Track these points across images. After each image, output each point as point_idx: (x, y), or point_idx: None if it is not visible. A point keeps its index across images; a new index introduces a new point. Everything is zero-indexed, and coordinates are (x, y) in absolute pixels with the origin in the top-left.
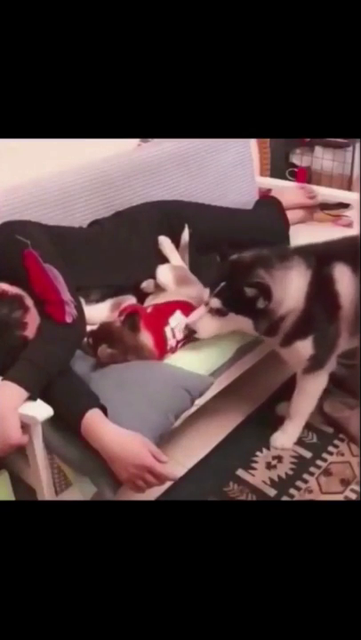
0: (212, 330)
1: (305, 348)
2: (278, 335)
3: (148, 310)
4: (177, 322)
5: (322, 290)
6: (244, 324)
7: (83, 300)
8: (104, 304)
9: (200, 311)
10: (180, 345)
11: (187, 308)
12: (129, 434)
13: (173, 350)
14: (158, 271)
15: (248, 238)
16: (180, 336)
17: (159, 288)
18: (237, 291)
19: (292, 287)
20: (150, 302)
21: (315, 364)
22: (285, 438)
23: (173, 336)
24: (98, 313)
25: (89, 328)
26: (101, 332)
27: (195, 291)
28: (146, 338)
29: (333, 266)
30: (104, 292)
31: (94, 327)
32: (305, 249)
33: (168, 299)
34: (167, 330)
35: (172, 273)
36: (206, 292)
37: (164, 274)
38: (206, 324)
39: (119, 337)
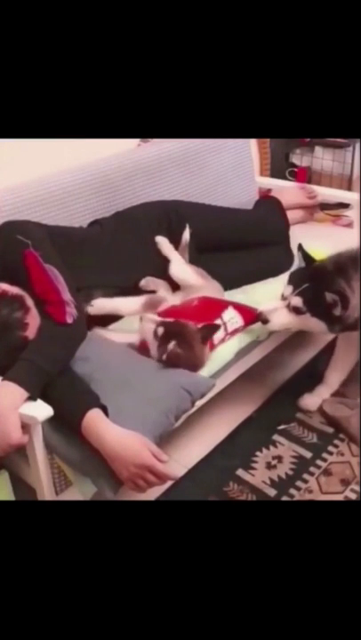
0: (284, 323)
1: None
2: (343, 327)
3: (194, 303)
4: (230, 316)
5: None
6: (316, 325)
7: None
8: (137, 299)
9: (275, 303)
10: (228, 337)
11: (236, 306)
12: (129, 433)
13: (223, 340)
14: (178, 270)
15: (248, 238)
16: (231, 329)
17: (162, 286)
18: (319, 295)
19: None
20: (180, 299)
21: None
22: (312, 400)
23: (225, 329)
24: (128, 306)
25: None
26: (176, 329)
27: (215, 284)
28: (206, 351)
29: None
30: (104, 292)
31: (169, 320)
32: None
33: (200, 294)
34: (218, 322)
35: (191, 268)
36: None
37: (185, 271)
38: (281, 317)
39: (191, 343)
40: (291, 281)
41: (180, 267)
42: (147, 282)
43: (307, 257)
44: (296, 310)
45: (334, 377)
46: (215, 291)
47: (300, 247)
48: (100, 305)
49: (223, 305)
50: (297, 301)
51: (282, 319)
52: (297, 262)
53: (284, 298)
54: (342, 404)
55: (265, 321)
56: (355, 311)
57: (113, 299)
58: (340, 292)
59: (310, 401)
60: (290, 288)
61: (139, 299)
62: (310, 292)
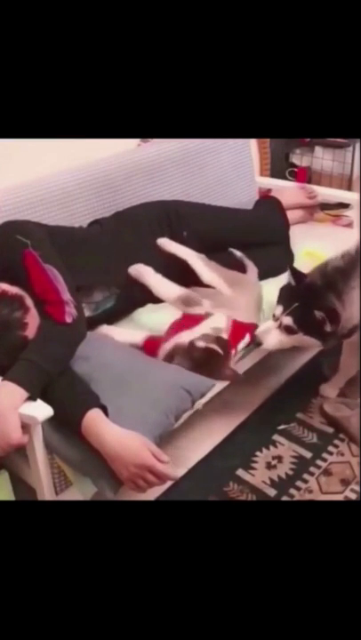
0: (277, 343)
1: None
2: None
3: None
4: (244, 344)
5: None
6: (309, 342)
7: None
8: (177, 288)
9: (268, 324)
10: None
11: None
12: (129, 433)
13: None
14: (209, 279)
15: (248, 238)
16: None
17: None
18: (308, 314)
19: (356, 306)
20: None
21: None
22: (330, 389)
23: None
24: (166, 289)
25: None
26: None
27: (249, 284)
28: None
29: None
30: (104, 291)
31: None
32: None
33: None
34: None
35: (217, 272)
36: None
37: (211, 276)
38: (274, 338)
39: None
40: (280, 300)
41: (209, 275)
42: (187, 296)
43: (296, 274)
44: (288, 330)
45: (349, 362)
46: (245, 297)
47: (290, 266)
48: (143, 271)
49: (248, 328)
50: (288, 321)
51: (275, 339)
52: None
53: (275, 318)
54: (343, 404)
55: (259, 343)
56: (348, 322)
57: (158, 275)
58: (328, 309)
59: (329, 389)
60: (280, 308)
61: (179, 289)
62: (300, 310)
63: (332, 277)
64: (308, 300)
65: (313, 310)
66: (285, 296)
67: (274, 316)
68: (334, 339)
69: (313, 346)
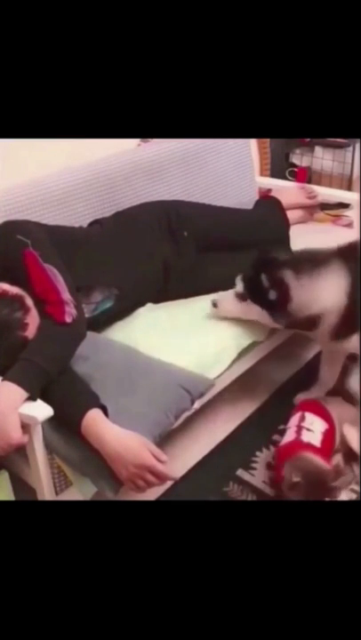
0: (229, 310)
1: (350, 343)
2: (320, 331)
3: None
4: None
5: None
6: (259, 314)
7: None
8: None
9: (230, 291)
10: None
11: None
12: (129, 434)
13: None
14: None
15: (248, 238)
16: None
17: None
18: (256, 278)
19: (327, 289)
20: None
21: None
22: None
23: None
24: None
25: None
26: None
27: None
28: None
29: None
30: (104, 292)
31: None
32: (349, 251)
33: None
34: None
35: None
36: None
37: None
38: (227, 304)
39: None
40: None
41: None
42: None
43: (263, 249)
44: (240, 296)
45: (327, 375)
46: None
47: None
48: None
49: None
50: (239, 287)
51: (228, 305)
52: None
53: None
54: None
55: (214, 305)
56: (305, 307)
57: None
58: (277, 278)
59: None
60: (240, 276)
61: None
62: (251, 277)
63: (299, 257)
64: (263, 268)
65: (260, 276)
66: (249, 267)
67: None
68: (284, 316)
69: (263, 320)
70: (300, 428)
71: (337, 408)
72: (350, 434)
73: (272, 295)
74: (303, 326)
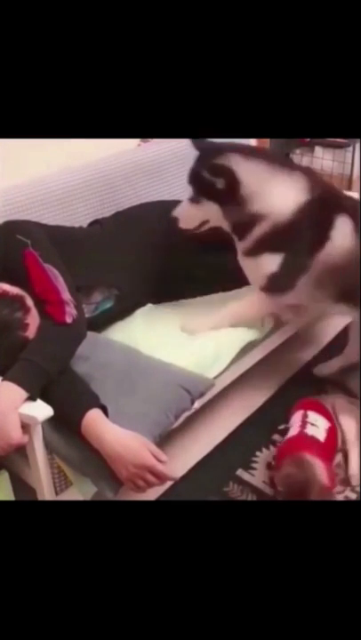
0: (189, 217)
1: (271, 262)
2: (247, 240)
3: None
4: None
5: (316, 223)
6: (214, 212)
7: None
8: None
9: (183, 203)
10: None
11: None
12: (129, 434)
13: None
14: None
15: None
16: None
17: None
18: (199, 172)
19: (279, 190)
20: None
21: (273, 285)
22: (325, 368)
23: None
24: None
25: None
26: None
27: None
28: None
29: (339, 215)
30: (104, 292)
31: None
32: (311, 172)
33: None
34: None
35: None
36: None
37: None
38: (184, 211)
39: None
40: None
41: None
42: None
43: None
44: (193, 200)
45: (353, 349)
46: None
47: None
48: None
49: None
50: (189, 190)
51: (185, 212)
52: None
53: None
54: (326, 366)
55: (175, 219)
56: (255, 198)
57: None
58: (218, 165)
59: (323, 368)
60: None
61: None
62: (194, 174)
63: (253, 149)
64: (202, 159)
65: (203, 169)
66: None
67: None
68: (237, 207)
69: (218, 217)
70: (304, 423)
71: (337, 407)
72: (348, 424)
73: (220, 184)
74: (245, 226)
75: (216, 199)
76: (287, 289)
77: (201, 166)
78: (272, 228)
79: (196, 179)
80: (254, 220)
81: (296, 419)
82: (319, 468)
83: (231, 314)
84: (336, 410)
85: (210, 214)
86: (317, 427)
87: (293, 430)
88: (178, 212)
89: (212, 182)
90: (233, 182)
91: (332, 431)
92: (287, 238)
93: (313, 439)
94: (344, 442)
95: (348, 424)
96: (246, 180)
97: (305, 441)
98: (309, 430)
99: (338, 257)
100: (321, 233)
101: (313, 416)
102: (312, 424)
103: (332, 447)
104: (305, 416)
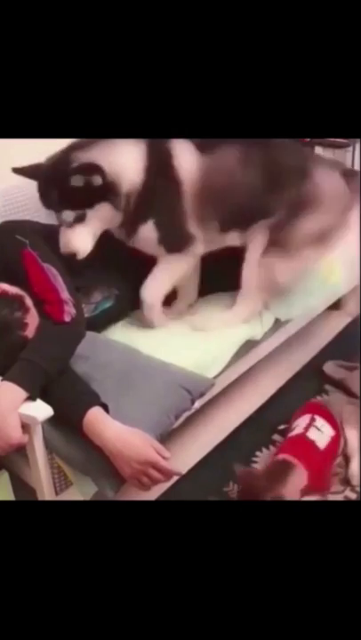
0: (87, 241)
1: (149, 231)
2: (126, 223)
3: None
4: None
5: (159, 164)
6: (105, 212)
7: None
8: None
9: (67, 234)
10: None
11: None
12: (132, 430)
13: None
14: None
15: None
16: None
17: None
18: (68, 185)
19: (125, 158)
20: None
21: (169, 246)
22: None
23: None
24: None
25: None
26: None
27: None
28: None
29: (173, 142)
30: (104, 292)
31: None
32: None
33: None
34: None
35: None
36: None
37: None
38: (77, 239)
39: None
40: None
41: None
42: None
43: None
44: (77, 220)
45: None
46: None
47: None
48: None
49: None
50: (67, 214)
51: (78, 238)
52: None
53: (60, 225)
54: (341, 367)
55: (73, 254)
56: (122, 173)
57: None
58: (81, 167)
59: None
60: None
61: None
62: (61, 191)
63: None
64: (59, 174)
65: (69, 179)
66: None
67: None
68: (118, 196)
69: (111, 216)
70: (309, 426)
71: (344, 415)
72: (352, 434)
73: (96, 180)
74: (127, 210)
75: (100, 198)
76: (181, 244)
77: (62, 182)
78: (136, 200)
79: (67, 194)
80: (127, 199)
81: (302, 421)
82: (300, 476)
83: (242, 309)
84: (343, 418)
85: (102, 216)
86: (322, 432)
87: (298, 430)
88: (71, 245)
89: (88, 184)
90: (102, 173)
91: (335, 441)
92: (149, 200)
93: (312, 445)
94: (346, 448)
95: (352, 434)
96: (108, 167)
97: (303, 444)
98: (312, 434)
99: (193, 175)
100: (168, 170)
101: (320, 422)
102: (318, 429)
103: (330, 456)
104: (313, 420)
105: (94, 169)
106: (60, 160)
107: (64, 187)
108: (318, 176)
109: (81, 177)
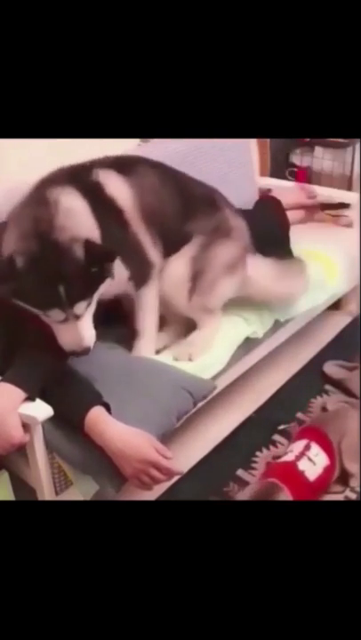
0: (92, 326)
1: (119, 269)
2: None
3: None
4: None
5: (97, 200)
6: (105, 284)
7: None
8: None
9: (72, 330)
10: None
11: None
12: (133, 430)
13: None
14: None
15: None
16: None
17: None
18: (78, 270)
19: (77, 212)
20: None
21: (138, 280)
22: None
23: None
24: None
25: None
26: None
27: None
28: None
29: (96, 173)
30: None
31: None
32: (70, 172)
33: None
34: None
35: None
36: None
37: None
38: (86, 328)
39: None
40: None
41: None
42: None
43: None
44: (75, 317)
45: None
46: None
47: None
48: None
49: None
50: (79, 308)
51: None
52: None
53: (65, 320)
54: (341, 367)
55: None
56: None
57: None
58: (86, 246)
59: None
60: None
61: None
62: (71, 284)
63: (24, 212)
64: (52, 264)
65: (81, 265)
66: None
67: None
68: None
69: (122, 275)
70: (302, 455)
71: (343, 444)
72: (353, 469)
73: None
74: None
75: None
76: (147, 275)
77: (69, 275)
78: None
79: (80, 275)
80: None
81: (298, 446)
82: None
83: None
84: (342, 447)
85: (118, 282)
86: (314, 464)
87: (290, 456)
88: (86, 341)
89: (92, 257)
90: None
91: (329, 470)
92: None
93: (301, 475)
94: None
95: (352, 466)
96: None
97: (292, 473)
98: (302, 465)
99: (130, 199)
100: (107, 202)
101: (315, 450)
102: (310, 459)
103: (318, 488)
104: (307, 448)
105: (108, 255)
106: (55, 243)
107: (73, 279)
108: (227, 210)
109: (82, 253)
